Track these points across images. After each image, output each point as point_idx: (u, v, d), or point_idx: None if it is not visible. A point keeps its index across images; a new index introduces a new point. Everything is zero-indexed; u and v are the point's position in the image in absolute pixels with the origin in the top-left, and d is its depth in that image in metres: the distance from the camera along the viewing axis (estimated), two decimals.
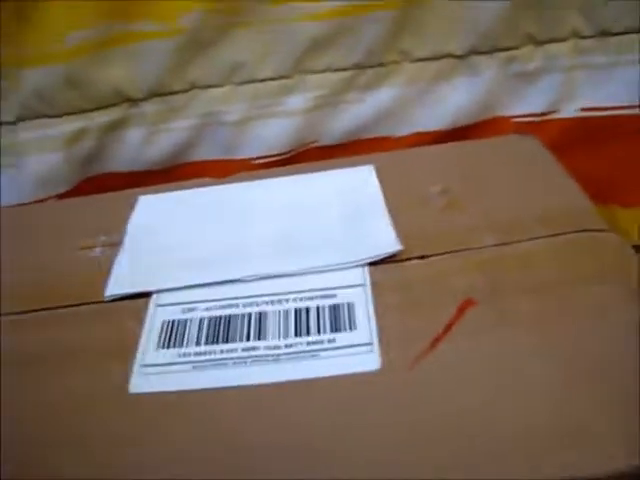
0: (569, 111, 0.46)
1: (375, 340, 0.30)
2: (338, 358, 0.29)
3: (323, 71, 0.44)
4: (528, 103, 0.46)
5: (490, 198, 0.37)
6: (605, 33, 0.45)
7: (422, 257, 0.34)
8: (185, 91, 0.44)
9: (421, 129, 0.47)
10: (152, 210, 0.40)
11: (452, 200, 0.38)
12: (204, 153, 0.47)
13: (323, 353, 0.29)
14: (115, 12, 0.41)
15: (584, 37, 0.45)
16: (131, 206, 0.41)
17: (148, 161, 0.47)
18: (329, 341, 0.30)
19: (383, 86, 0.45)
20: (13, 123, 0.44)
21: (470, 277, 0.32)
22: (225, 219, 0.38)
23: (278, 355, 0.30)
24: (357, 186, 0.39)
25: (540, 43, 0.45)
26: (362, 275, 0.33)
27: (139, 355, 0.30)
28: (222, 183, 0.42)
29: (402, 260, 0.34)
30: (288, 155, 0.47)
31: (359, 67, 0.44)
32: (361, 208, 0.37)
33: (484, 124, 0.47)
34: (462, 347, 0.29)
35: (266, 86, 0.44)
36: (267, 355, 0.30)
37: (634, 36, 0.45)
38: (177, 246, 0.36)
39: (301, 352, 0.30)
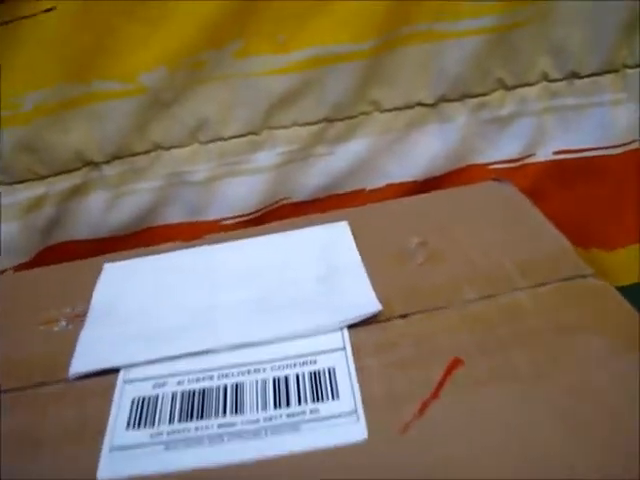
0: (544, 154, 0.46)
1: (360, 408, 0.28)
2: (322, 429, 0.27)
3: (291, 125, 0.43)
4: (502, 149, 0.46)
5: (470, 249, 0.36)
6: (574, 76, 0.44)
7: (403, 316, 0.32)
8: (148, 152, 0.43)
9: (394, 180, 0.46)
10: (118, 278, 0.38)
11: (431, 253, 0.36)
12: (170, 216, 0.45)
13: (305, 425, 0.27)
14: (75, 71, 0.40)
15: (553, 80, 0.44)
16: (96, 275, 0.39)
17: (112, 227, 0.45)
18: (311, 412, 0.28)
19: (354, 138, 0.44)
20: None
21: (455, 334, 0.31)
22: (194, 285, 0.36)
23: (257, 430, 0.28)
24: (332, 244, 0.38)
25: (510, 88, 0.44)
26: (341, 338, 0.31)
27: (107, 437, 0.28)
28: (190, 247, 0.40)
29: (383, 320, 0.32)
30: (259, 214, 0.45)
31: (328, 120, 0.43)
32: (337, 267, 0.36)
33: (458, 173, 0.46)
34: (453, 408, 0.27)
35: (233, 143, 0.43)
36: (245, 430, 0.28)
37: (601, 78, 0.44)
38: (144, 316, 0.34)
39: (282, 425, 0.28)
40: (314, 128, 0.43)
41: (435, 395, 0.28)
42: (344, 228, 0.39)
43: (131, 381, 0.31)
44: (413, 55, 0.42)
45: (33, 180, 0.43)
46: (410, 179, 0.45)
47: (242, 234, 0.41)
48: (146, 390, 0.30)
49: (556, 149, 0.46)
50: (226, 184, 0.44)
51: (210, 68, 0.41)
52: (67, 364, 0.32)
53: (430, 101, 0.44)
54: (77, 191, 0.43)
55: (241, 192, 0.44)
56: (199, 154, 0.43)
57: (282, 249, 0.38)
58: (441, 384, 0.28)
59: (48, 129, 0.41)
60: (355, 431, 0.27)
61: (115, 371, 0.31)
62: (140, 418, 0.29)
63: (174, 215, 0.45)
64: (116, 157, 0.43)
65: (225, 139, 0.43)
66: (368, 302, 0.33)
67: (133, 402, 0.30)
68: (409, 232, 0.38)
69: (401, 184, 0.45)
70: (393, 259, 0.36)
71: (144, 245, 0.42)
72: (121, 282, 0.38)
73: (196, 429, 0.28)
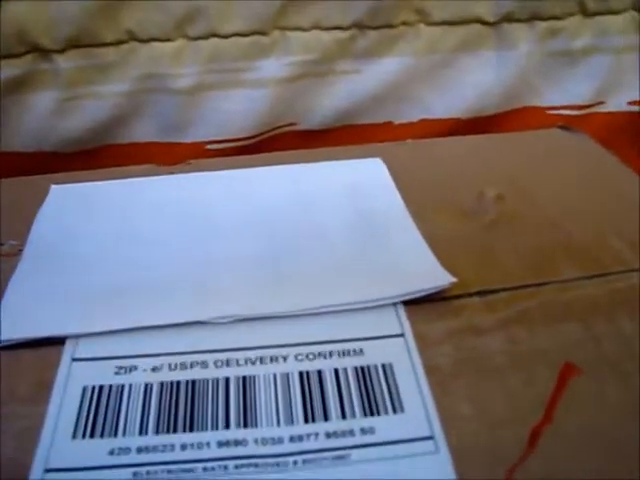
0: (616, 104, 0.37)
1: (438, 431, 0.18)
2: (382, 463, 0.18)
3: (311, 28, 0.33)
4: (568, 91, 0.37)
5: (555, 211, 0.27)
6: None
7: (480, 294, 0.23)
8: (118, 43, 0.33)
9: (431, 115, 0.36)
10: (68, 207, 0.28)
11: (504, 211, 0.27)
12: (139, 132, 0.35)
13: (357, 453, 0.18)
14: None
15: None
16: (37, 200, 0.28)
17: (60, 138, 0.34)
18: (363, 431, 0.18)
19: (388, 55, 0.35)
20: None
21: (559, 325, 0.22)
22: (176, 226, 0.26)
23: (280, 457, 0.18)
24: (365, 186, 0.28)
25: (590, 14, 0.35)
26: (397, 320, 0.22)
27: (41, 451, 0.18)
28: (168, 173, 0.30)
29: (452, 297, 0.23)
30: (254, 140, 0.35)
31: (360, 26, 0.34)
32: (377, 217, 0.26)
33: (510, 115, 0.37)
34: (574, 440, 0.18)
35: (231, 44, 0.33)
36: (261, 456, 0.18)
37: None
38: (105, 265, 0.24)
39: (320, 451, 0.18)
40: (340, 35, 0.34)
41: (548, 418, 0.19)
42: (379, 166, 0.29)
43: (82, 359, 0.20)
44: None
45: None
46: (452, 115, 0.36)
47: (238, 162, 0.31)
48: (104, 375, 0.20)
49: (632, 99, 0.37)
50: (217, 97, 0.34)
51: None
52: None
53: (491, 19, 0.35)
54: (16, 85, 0.33)
55: (235, 109, 0.35)
56: (185, 53, 0.33)
57: (298, 186, 0.28)
58: (553, 402, 0.19)
59: None
60: (435, 468, 0.17)
61: (59, 342, 0.21)
62: (95, 421, 0.19)
63: (145, 131, 0.35)
64: (74, 45, 0.32)
65: (222, 36, 0.33)
66: (433, 270, 0.23)
67: (85, 394, 0.19)
68: (466, 179, 0.29)
69: (440, 120, 0.36)
70: (448, 213, 0.27)
71: (102, 167, 0.31)
72: (73, 213, 0.27)
73: (183, 448, 0.18)
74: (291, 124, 0.36)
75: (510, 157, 0.31)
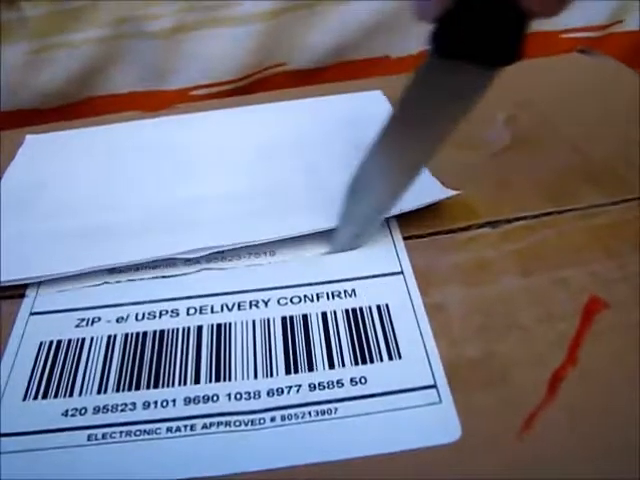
0: (636, 21, 0.33)
1: (442, 379, 0.16)
2: (374, 418, 0.15)
3: None
4: (582, 12, 0.34)
5: (575, 136, 0.24)
6: None
7: (493, 224, 0.20)
8: None
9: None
10: (43, 155, 0.26)
11: (517, 137, 0.24)
12: (119, 82, 0.33)
13: (344, 407, 0.15)
14: None
15: None
16: (12, 151, 0.26)
17: (35, 94, 0.32)
18: (354, 382, 0.16)
19: None
20: None
21: (584, 257, 0.19)
22: (158, 168, 0.24)
23: (255, 413, 0.15)
24: (365, 120, 0.25)
25: None
26: (395, 256, 0.19)
27: None
28: (152, 117, 0.28)
29: (460, 229, 0.20)
30: (242, 83, 0.33)
31: None
32: None
33: None
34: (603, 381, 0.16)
35: None
36: (233, 414, 0.15)
37: None
38: (78, 211, 0.22)
39: (300, 406, 0.15)
40: None
41: (571, 359, 0.16)
42: (379, 98, 0.27)
43: (41, 313, 0.18)
44: None
45: None
46: None
47: (228, 104, 0.28)
48: (64, 329, 0.18)
49: None
50: (198, 38, 0.32)
51: None
52: None
53: None
54: None
55: (218, 50, 0.32)
56: None
57: (295, 122, 0.26)
58: (578, 340, 0.16)
59: None
60: (438, 421, 0.15)
61: (18, 296, 0.19)
62: (50, 380, 0.16)
63: (125, 80, 0.33)
64: None
65: None
66: (432, 188, 0.20)
67: (40, 350, 0.17)
68: (480, 109, 0.26)
69: None
70: (456, 143, 0.24)
71: None
72: (47, 160, 0.25)
73: (145, 406, 0.15)
74: (280, 64, 0.33)
75: (525, 83, 0.27)
